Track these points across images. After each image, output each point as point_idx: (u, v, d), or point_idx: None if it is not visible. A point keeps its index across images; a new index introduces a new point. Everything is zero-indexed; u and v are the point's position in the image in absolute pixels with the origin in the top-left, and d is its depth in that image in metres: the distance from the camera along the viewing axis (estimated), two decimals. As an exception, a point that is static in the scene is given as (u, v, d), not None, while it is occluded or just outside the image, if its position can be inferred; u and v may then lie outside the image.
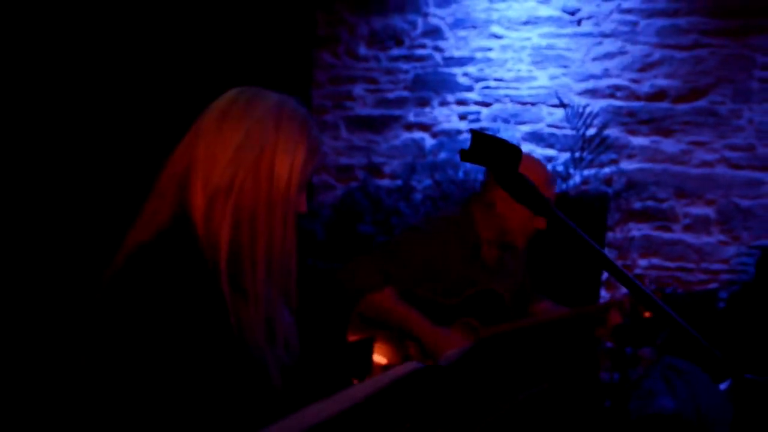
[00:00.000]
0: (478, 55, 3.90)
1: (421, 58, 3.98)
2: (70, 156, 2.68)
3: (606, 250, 3.70)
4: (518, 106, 3.86)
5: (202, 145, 1.05)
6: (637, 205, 3.72)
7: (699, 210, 3.70)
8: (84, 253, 2.41)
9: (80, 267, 2.31)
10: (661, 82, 3.71)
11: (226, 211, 1.02)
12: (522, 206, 1.97)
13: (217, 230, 1.02)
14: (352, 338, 2.01)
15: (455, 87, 3.94)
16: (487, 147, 0.87)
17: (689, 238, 3.71)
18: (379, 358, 1.96)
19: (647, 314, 2.08)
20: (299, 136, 1.07)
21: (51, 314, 2.32)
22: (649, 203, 3.73)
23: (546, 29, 3.82)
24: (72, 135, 2.70)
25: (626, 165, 3.73)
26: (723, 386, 2.92)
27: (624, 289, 3.61)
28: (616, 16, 3.75)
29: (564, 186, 3.62)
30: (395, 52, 4.01)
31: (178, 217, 1.04)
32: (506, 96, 3.88)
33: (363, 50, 4.05)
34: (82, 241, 2.53)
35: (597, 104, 3.73)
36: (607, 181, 3.75)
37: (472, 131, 0.87)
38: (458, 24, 3.92)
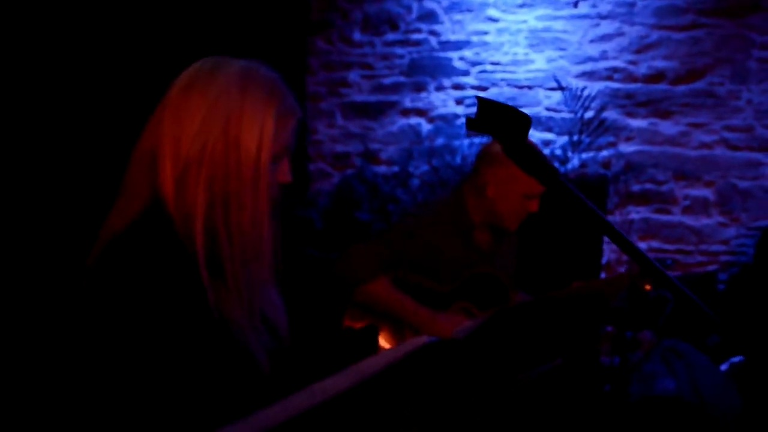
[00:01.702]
0: (474, 38, 3.85)
1: (416, 43, 3.93)
2: (46, 145, 2.64)
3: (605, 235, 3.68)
4: (515, 90, 3.82)
5: (168, 120, 1.01)
6: (636, 187, 3.70)
7: (698, 192, 3.68)
8: (63, 246, 2.37)
9: (59, 261, 2.27)
10: (659, 63, 3.68)
11: (198, 184, 0.99)
12: (514, 189, 1.97)
13: (191, 206, 0.99)
14: (348, 325, 1.99)
15: (451, 71, 3.89)
16: (494, 115, 0.82)
17: (688, 220, 3.69)
18: (384, 343, 1.94)
19: (648, 287, 2.06)
20: (267, 103, 1.02)
21: (30, 310, 2.29)
22: (648, 186, 3.71)
23: (542, 11, 3.77)
24: (46, 121, 2.66)
25: (625, 148, 3.70)
26: (723, 367, 2.92)
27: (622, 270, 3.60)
28: (613, -3, 3.71)
29: (563, 170, 3.60)
30: (390, 37, 3.96)
31: (152, 200, 1.01)
32: (503, 80, 3.84)
33: (357, 36, 4.00)
34: (61, 234, 2.49)
35: (594, 87, 3.69)
36: (606, 164, 3.73)
37: (478, 98, 0.83)
38: (453, 7, 3.88)
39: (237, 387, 0.98)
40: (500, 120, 0.84)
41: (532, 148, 0.86)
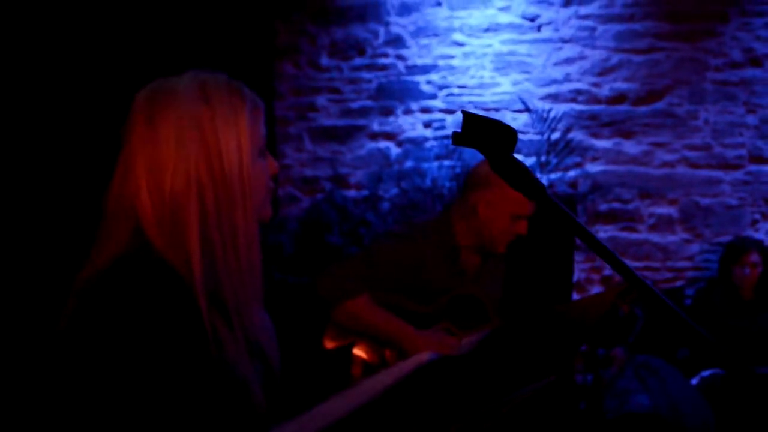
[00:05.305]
0: (441, 62, 3.91)
1: (383, 67, 3.97)
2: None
3: (574, 254, 3.74)
4: (482, 113, 3.87)
5: (140, 155, 0.96)
6: (603, 206, 3.77)
7: (662, 210, 3.77)
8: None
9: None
10: (621, 85, 3.78)
11: (190, 216, 0.94)
12: (503, 210, 1.98)
13: (185, 240, 0.94)
14: (329, 346, 1.96)
15: (419, 95, 3.93)
16: (480, 129, 0.82)
17: (654, 237, 3.77)
18: (359, 351, 1.91)
19: (625, 307, 2.07)
20: (234, 102, 0.99)
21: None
22: (615, 205, 3.78)
23: (507, 36, 3.85)
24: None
25: (591, 168, 3.78)
26: (693, 381, 2.97)
27: (595, 290, 3.65)
28: (574, 21, 3.81)
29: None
30: (358, 61, 3.99)
31: (132, 244, 0.96)
32: (470, 102, 3.89)
33: (325, 60, 4.01)
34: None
35: (560, 108, 3.77)
36: (573, 184, 3.79)
37: (463, 112, 0.82)
38: (420, 32, 3.93)
39: (234, 422, 0.95)
40: (486, 134, 0.84)
41: (519, 164, 0.86)
